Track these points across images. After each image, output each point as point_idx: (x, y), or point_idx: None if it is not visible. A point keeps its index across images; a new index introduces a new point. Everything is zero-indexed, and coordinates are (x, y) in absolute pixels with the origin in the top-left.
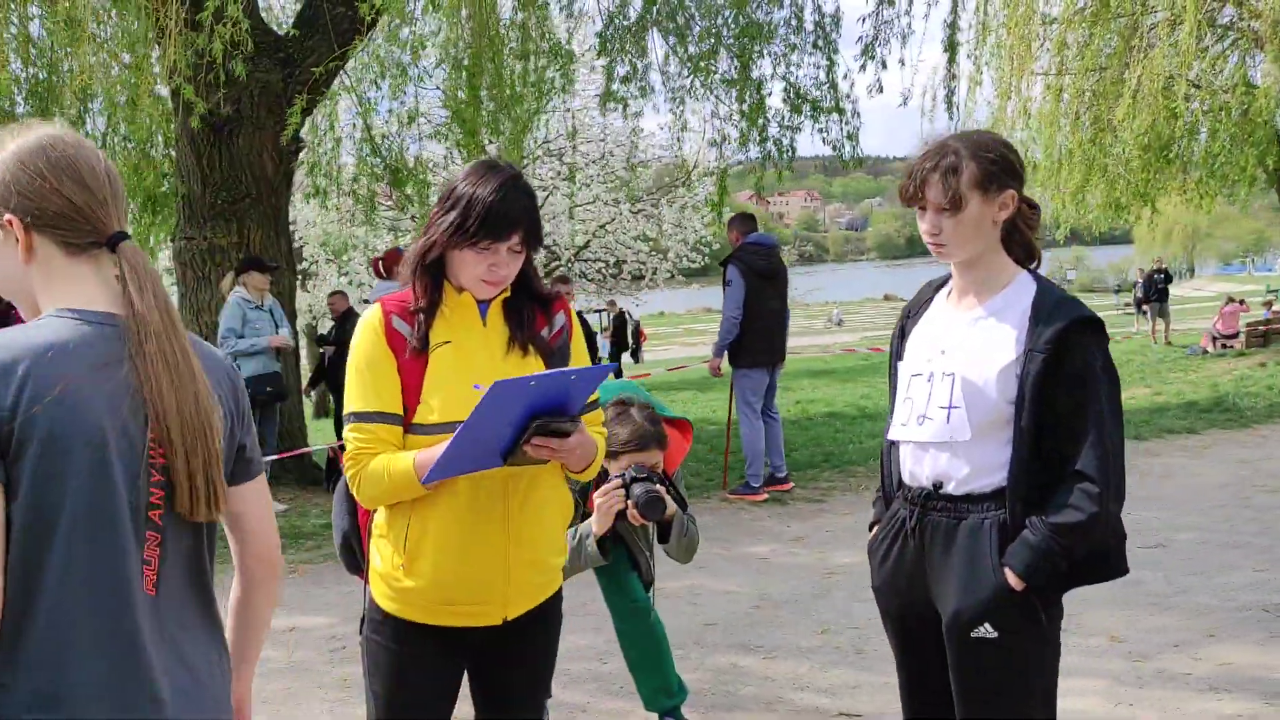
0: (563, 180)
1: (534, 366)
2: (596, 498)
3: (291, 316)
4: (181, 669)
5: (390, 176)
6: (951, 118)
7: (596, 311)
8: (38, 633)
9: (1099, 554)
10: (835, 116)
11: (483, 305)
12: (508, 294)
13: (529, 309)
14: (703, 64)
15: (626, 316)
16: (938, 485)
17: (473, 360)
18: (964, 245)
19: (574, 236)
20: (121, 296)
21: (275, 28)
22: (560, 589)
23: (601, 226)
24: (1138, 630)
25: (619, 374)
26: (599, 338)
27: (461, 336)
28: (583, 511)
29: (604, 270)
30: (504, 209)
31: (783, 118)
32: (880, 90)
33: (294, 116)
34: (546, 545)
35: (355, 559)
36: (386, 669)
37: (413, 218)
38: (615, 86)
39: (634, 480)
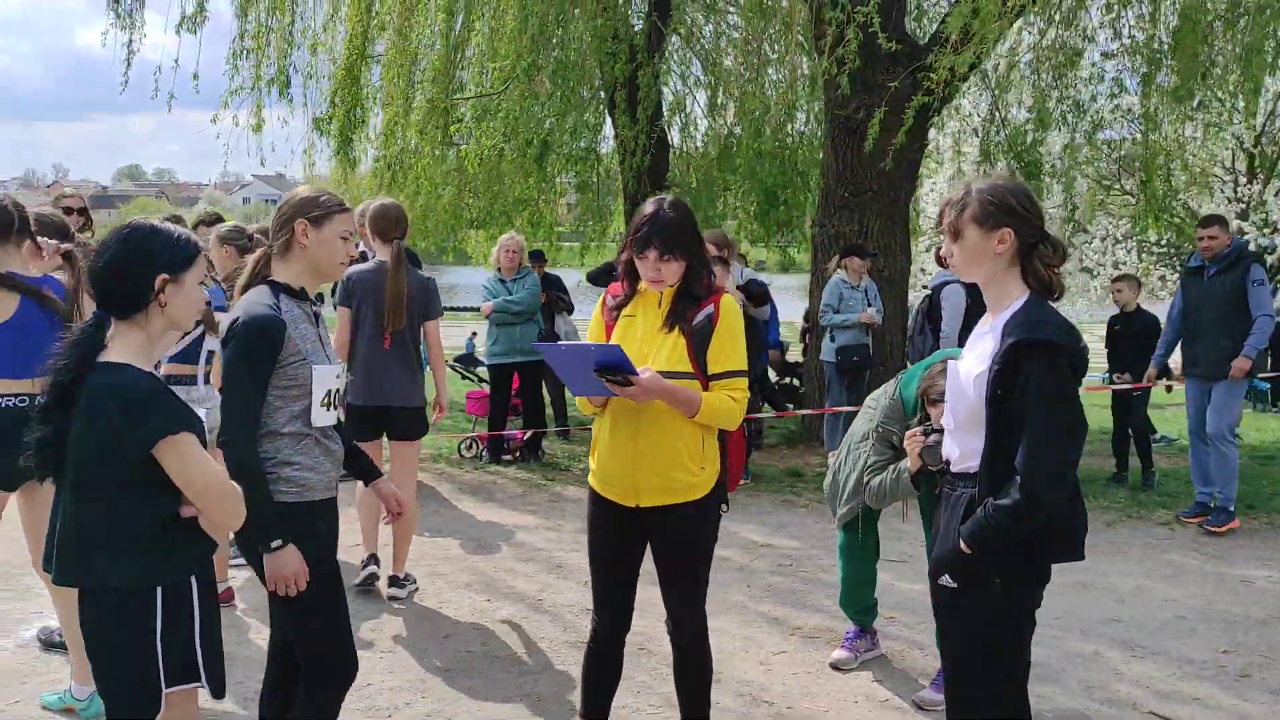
0: None
1: (674, 340)
2: (907, 439)
3: (902, 297)
4: None
5: (1022, 170)
6: None
7: None
8: None
9: (1046, 535)
10: None
11: (661, 296)
12: (676, 287)
13: (686, 300)
14: None
15: None
16: (948, 463)
17: (634, 330)
18: (966, 268)
19: None
20: None
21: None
22: (698, 505)
23: None
24: None
25: None
26: None
27: (641, 313)
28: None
29: None
30: (644, 230)
31: None
32: None
33: (908, 118)
34: (667, 461)
35: None
36: (587, 518)
37: None
38: None
39: (932, 430)
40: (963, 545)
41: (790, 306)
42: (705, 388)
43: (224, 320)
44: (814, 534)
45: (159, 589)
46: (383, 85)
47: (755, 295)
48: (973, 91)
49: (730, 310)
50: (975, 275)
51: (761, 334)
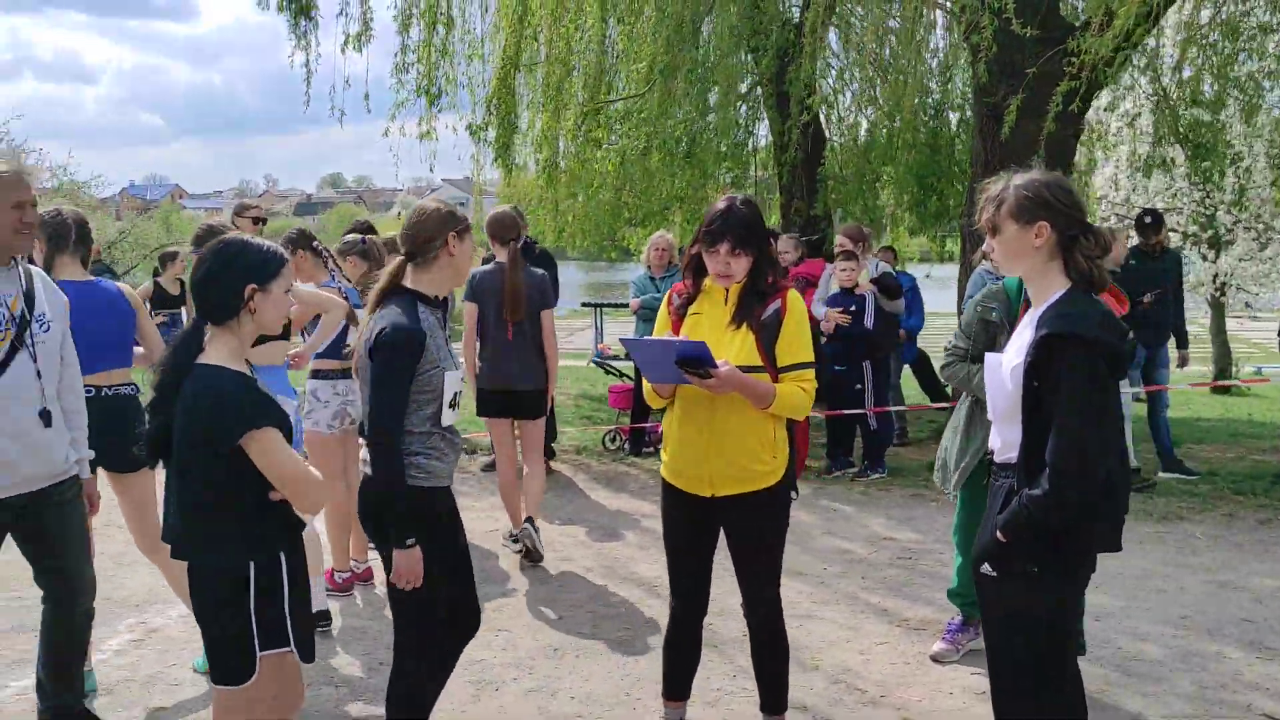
0: None
1: (744, 336)
2: None
3: None
4: None
5: (1193, 153)
6: None
7: None
8: None
9: (1080, 526)
10: None
11: (727, 291)
12: (743, 284)
13: (753, 297)
14: None
15: None
16: (990, 454)
17: (702, 327)
18: (1006, 263)
19: None
20: None
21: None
22: (770, 492)
23: None
24: None
25: None
26: None
27: (707, 310)
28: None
29: None
30: (717, 224)
31: None
32: None
33: (1055, 103)
34: (739, 451)
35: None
36: (661, 509)
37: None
38: None
39: None
40: (999, 534)
41: (938, 297)
42: (775, 380)
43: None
44: (940, 528)
45: (252, 564)
46: (533, 90)
47: (889, 289)
48: (1143, 70)
49: (796, 305)
50: (1016, 269)
51: (893, 328)
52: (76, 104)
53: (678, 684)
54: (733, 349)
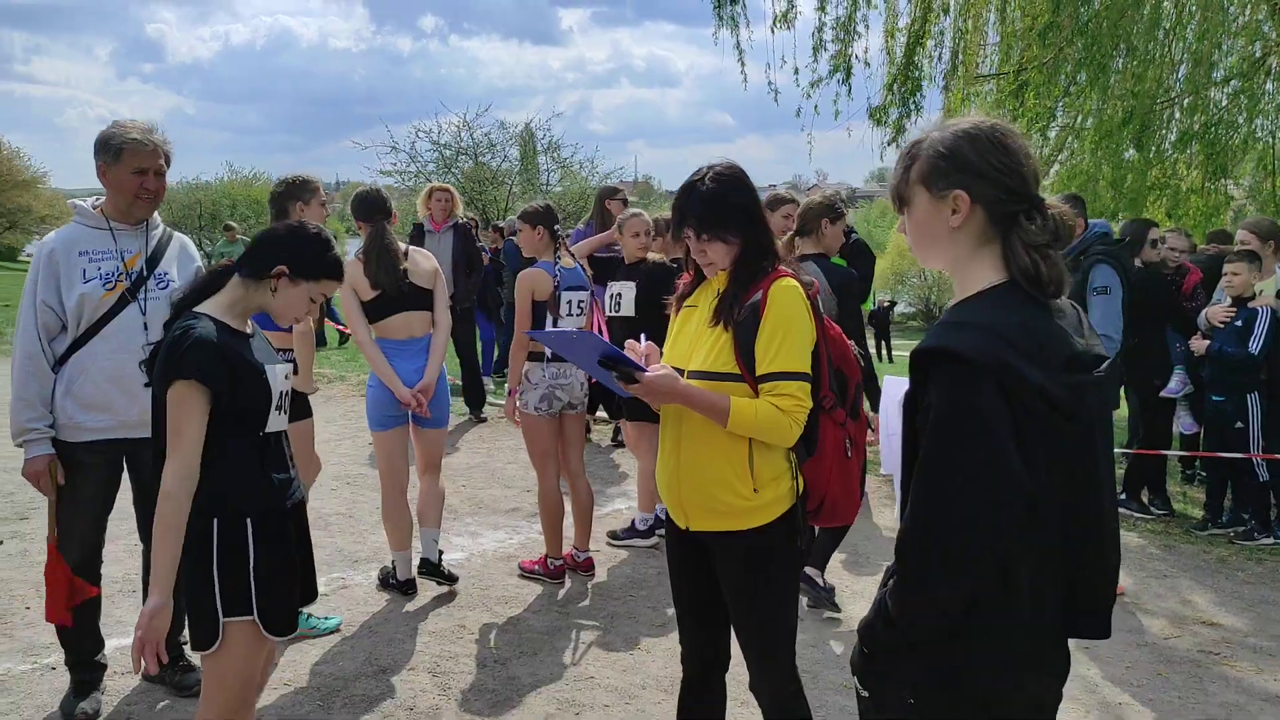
0: None
1: (718, 336)
2: None
3: None
4: None
5: None
6: None
7: None
8: None
9: (964, 638)
10: None
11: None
12: (729, 273)
13: (736, 288)
14: None
15: None
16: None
17: (691, 323)
18: (919, 250)
19: None
20: None
21: None
22: (757, 535)
23: None
24: None
25: None
26: None
27: (703, 304)
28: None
29: None
30: (680, 206)
31: None
32: None
33: None
34: (706, 478)
35: None
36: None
37: None
38: None
39: None
40: (860, 643)
41: None
42: (755, 395)
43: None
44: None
45: (215, 520)
46: (938, 68)
47: None
48: None
49: (784, 298)
50: (929, 260)
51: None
52: (662, 106)
53: None
54: (702, 350)
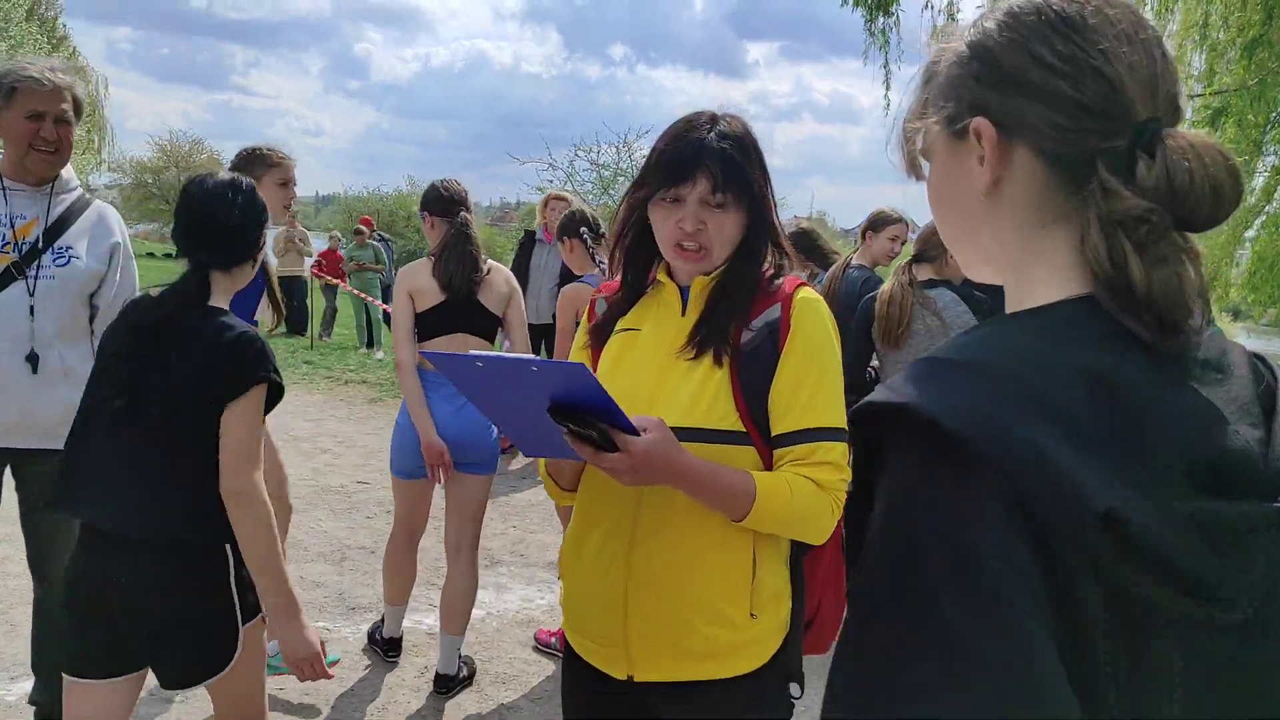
0: None
1: (707, 373)
2: None
3: None
4: None
5: None
6: None
7: None
8: None
9: None
10: None
11: (685, 290)
12: (717, 275)
13: (731, 300)
14: None
15: None
16: None
17: (637, 354)
18: (951, 245)
19: None
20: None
21: None
22: (743, 685)
23: None
24: None
25: None
26: None
27: (652, 322)
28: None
29: None
30: (684, 150)
31: None
32: None
33: None
34: (691, 603)
35: None
36: (561, 687)
37: None
38: None
39: None
40: None
41: None
42: (766, 462)
43: None
44: None
45: (227, 548)
46: None
47: None
48: None
49: (814, 318)
50: (967, 253)
51: None
52: (843, 142)
53: None
54: (685, 396)
